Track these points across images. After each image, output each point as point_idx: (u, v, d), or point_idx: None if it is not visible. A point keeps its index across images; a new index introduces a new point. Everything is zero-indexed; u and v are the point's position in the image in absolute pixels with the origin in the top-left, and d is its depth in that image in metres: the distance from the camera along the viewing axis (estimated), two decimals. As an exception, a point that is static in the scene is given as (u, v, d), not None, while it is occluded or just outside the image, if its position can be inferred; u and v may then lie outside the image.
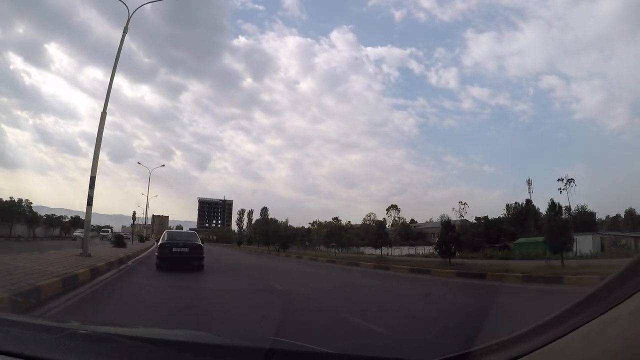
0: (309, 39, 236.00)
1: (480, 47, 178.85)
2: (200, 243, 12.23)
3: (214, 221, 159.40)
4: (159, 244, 12.00)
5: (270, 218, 79.42)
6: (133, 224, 36.77)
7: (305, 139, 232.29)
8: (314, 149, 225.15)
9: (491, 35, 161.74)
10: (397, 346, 2.66)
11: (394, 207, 69.51)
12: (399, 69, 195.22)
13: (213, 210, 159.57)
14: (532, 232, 36.25)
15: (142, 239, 42.89)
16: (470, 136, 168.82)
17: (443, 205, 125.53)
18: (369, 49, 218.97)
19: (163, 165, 57.23)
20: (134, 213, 35.42)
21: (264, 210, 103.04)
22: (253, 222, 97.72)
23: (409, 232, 66.62)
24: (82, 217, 28.52)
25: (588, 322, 0.76)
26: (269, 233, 40.25)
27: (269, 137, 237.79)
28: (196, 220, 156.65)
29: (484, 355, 1.00)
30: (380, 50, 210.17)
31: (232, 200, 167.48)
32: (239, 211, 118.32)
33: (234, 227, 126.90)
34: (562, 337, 0.79)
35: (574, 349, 0.77)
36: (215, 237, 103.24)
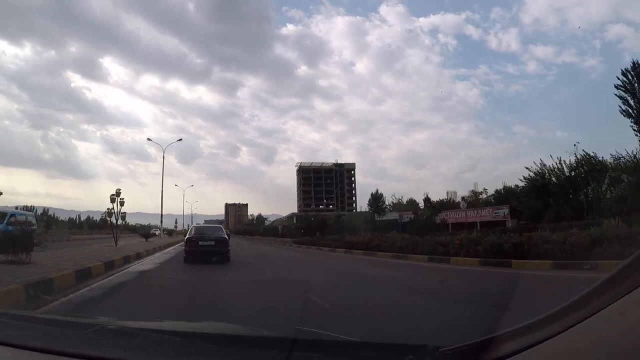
0: (358, 17, 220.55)
1: (538, 2, 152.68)
2: (225, 236, 12.76)
3: (324, 201, 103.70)
4: (186, 238, 12.80)
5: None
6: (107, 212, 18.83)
7: (369, 121, 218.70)
8: (378, 131, 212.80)
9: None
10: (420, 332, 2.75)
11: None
12: (456, 37, 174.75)
13: (323, 183, 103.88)
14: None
15: (147, 237, 31.82)
16: (538, 101, 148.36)
17: (514, 178, 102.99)
18: (421, 19, 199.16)
19: (180, 140, 43.72)
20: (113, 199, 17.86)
21: None
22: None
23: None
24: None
25: (610, 304, 0.76)
26: None
27: (331, 123, 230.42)
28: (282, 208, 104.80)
29: (506, 340, 0.97)
30: (433, 19, 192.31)
31: (353, 164, 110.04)
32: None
33: (360, 206, 73.58)
34: (585, 320, 0.79)
35: (596, 332, 0.78)
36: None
